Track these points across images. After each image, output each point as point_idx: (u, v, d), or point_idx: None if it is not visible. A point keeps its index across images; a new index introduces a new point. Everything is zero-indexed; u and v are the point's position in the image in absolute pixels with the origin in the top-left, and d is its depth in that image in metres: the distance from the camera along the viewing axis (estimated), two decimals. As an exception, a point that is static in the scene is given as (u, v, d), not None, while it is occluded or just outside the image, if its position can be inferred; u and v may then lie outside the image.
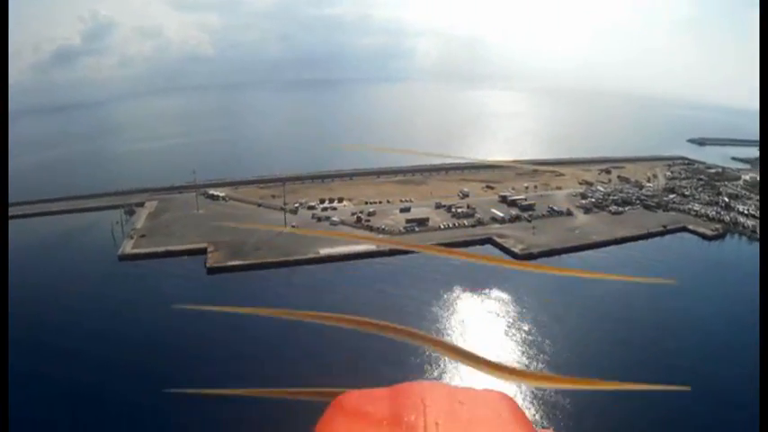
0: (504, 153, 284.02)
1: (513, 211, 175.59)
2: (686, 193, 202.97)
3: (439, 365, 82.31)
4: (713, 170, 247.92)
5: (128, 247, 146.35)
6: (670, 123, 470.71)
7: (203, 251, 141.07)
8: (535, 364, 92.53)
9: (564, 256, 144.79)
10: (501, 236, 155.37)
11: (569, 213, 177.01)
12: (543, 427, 4.10)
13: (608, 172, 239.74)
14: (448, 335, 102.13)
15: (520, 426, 3.36)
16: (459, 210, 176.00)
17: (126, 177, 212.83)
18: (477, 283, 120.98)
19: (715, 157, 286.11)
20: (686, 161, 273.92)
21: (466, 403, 3.39)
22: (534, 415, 74.51)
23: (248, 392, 4.52)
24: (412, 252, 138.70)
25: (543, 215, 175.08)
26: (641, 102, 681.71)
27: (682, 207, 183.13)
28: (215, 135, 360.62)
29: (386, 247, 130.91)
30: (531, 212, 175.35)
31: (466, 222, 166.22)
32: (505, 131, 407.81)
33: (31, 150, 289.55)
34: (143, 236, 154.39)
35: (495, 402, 3.55)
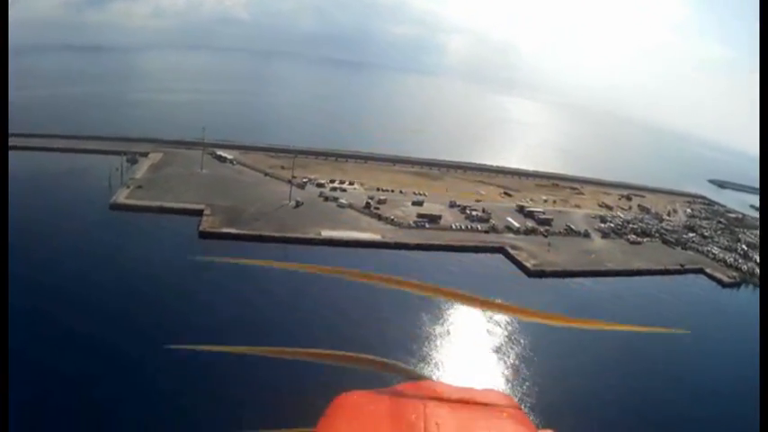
0: (524, 162, 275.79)
1: (530, 223, 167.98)
2: (705, 234, 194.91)
3: (439, 365, 79.38)
4: (733, 215, 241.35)
5: (121, 197, 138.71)
6: (690, 160, 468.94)
7: (199, 213, 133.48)
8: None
9: (577, 279, 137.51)
10: (514, 247, 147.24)
11: (587, 235, 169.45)
12: (543, 427, 3.75)
13: (629, 198, 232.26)
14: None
15: (520, 426, 3.37)
16: (474, 213, 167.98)
17: (136, 125, 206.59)
18: (481, 291, 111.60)
19: (734, 201, 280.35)
20: (706, 201, 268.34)
21: (466, 403, 3.42)
22: (534, 415, 70.09)
23: (254, 350, 4.01)
24: (417, 249, 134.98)
25: (560, 232, 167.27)
26: (661, 135, 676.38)
27: (700, 248, 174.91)
28: (236, 97, 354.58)
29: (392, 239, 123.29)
30: (547, 228, 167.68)
31: (480, 227, 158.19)
32: (527, 140, 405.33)
33: (48, 85, 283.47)
34: (140, 187, 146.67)
35: (496, 403, 3.56)
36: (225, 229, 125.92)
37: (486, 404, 3.46)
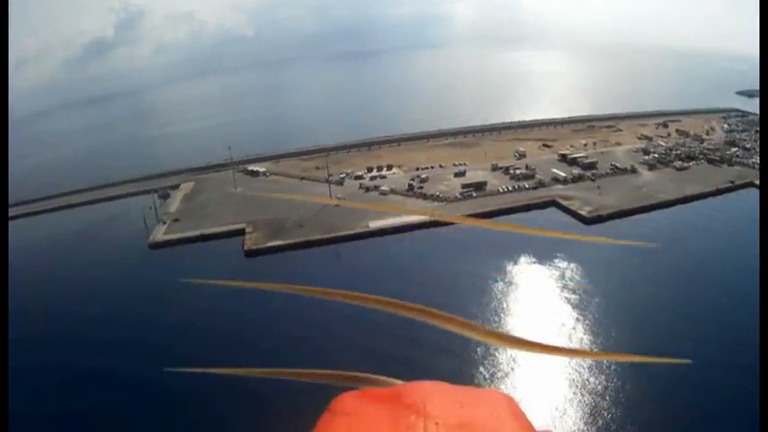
0: (554, 110, 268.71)
1: (575, 171, 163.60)
2: (747, 146, 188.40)
3: (439, 365, 73.27)
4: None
5: (159, 234, 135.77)
6: (713, 76, 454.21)
7: (241, 232, 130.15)
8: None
9: (636, 216, 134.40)
10: (565, 197, 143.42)
11: (633, 171, 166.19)
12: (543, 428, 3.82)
13: (665, 126, 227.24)
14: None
15: (520, 426, 3.40)
16: (518, 171, 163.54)
17: (161, 161, 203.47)
18: (541, 253, 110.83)
19: None
20: (740, 113, 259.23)
21: (466, 403, 3.42)
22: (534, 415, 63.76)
23: (251, 372, 4.12)
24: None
25: (607, 173, 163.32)
26: (679, 55, 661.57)
27: (745, 161, 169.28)
28: (254, 113, 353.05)
29: (441, 215, 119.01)
30: (594, 171, 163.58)
31: (526, 185, 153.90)
32: (552, 89, 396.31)
33: (62, 143, 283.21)
34: (176, 220, 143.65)
35: (495, 402, 3.60)
36: (270, 243, 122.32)
37: (485, 404, 3.51)
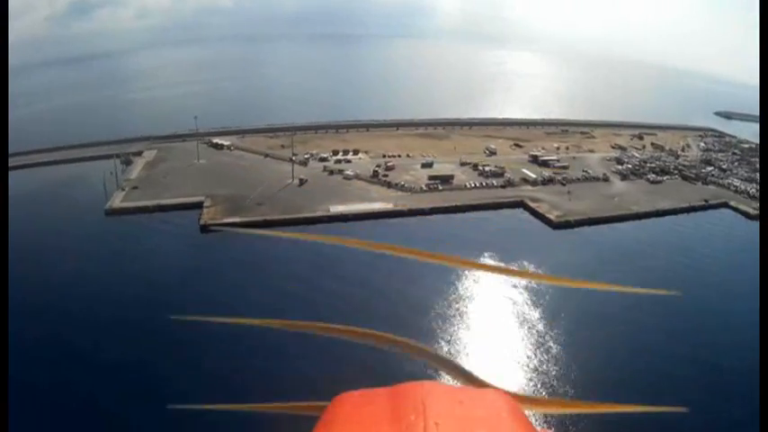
0: (529, 111, 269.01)
1: (546, 173, 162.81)
2: (723, 166, 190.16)
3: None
4: (746, 145, 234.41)
5: (116, 201, 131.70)
6: (692, 94, 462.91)
7: (199, 205, 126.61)
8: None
9: (603, 226, 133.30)
10: (534, 199, 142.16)
11: (606, 179, 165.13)
12: (543, 428, 3.83)
13: (640, 138, 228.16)
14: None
15: (520, 426, 3.35)
16: (487, 168, 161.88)
17: (129, 126, 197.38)
18: (507, 252, 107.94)
19: (744, 131, 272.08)
20: (717, 133, 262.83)
21: (466, 403, 3.36)
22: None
23: (262, 323, 4.48)
24: (433, 213, 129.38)
25: (578, 179, 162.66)
26: (658, 71, 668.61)
27: (721, 181, 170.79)
28: (227, 84, 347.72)
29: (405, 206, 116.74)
30: (565, 176, 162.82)
31: (495, 182, 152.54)
32: (529, 90, 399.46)
33: (34, 101, 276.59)
34: (135, 188, 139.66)
35: (495, 402, 3.52)
36: (227, 219, 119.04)
37: (485, 403, 3.44)
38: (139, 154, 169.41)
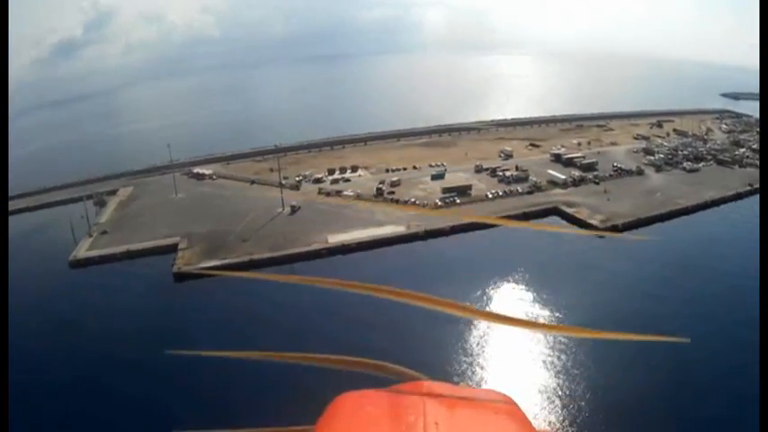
0: (533, 111, 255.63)
1: (574, 173, 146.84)
2: (754, 146, 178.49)
3: (439, 365, 67.78)
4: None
5: (82, 250, 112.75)
6: (694, 80, 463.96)
7: (174, 248, 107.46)
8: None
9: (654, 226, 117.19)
10: (569, 204, 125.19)
11: (640, 172, 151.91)
12: (543, 428, 3.83)
13: (660, 125, 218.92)
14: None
15: (520, 426, 3.44)
16: (508, 173, 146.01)
17: (106, 163, 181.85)
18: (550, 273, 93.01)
19: (755, 110, 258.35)
20: (734, 114, 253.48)
21: (465, 403, 3.46)
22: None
23: (258, 355, 4.06)
24: (455, 233, 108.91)
25: (610, 175, 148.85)
26: (655, 62, 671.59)
27: (757, 162, 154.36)
28: (214, 111, 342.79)
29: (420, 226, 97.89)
30: (595, 173, 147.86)
31: (519, 188, 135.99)
32: (529, 90, 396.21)
33: (19, 146, 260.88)
34: (104, 232, 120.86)
35: (495, 402, 3.62)
36: (205, 263, 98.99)
37: (484, 403, 3.55)
38: (114, 193, 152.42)
